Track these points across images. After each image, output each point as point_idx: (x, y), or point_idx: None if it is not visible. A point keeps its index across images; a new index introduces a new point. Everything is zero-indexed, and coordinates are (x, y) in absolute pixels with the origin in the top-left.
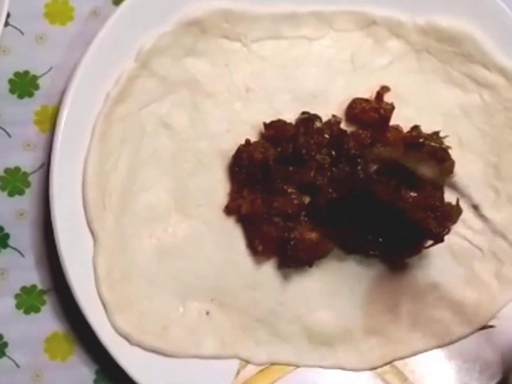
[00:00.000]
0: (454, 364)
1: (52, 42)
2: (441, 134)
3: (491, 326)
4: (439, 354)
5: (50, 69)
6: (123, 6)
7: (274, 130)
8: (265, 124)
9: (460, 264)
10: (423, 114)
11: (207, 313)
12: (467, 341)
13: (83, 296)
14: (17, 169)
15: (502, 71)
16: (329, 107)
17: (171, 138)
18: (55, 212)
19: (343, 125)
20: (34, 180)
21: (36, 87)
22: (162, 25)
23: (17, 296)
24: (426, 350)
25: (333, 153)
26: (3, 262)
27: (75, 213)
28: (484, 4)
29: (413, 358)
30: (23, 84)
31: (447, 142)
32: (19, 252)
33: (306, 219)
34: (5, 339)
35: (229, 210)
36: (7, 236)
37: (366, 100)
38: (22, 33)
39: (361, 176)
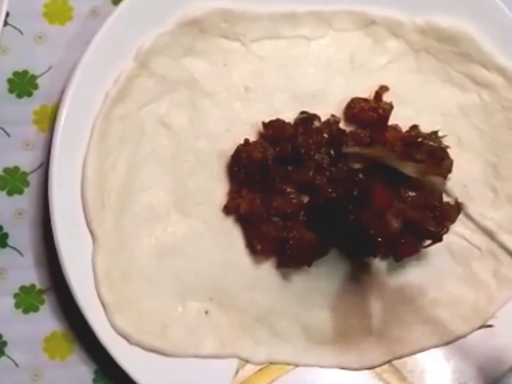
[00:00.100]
0: (452, 363)
1: (51, 42)
2: (440, 134)
3: (489, 326)
4: (437, 354)
5: (49, 68)
6: (122, 5)
7: (273, 130)
8: (264, 124)
9: (458, 263)
10: (422, 114)
11: (206, 312)
12: (466, 340)
13: (82, 295)
14: (16, 168)
15: (501, 71)
16: (328, 107)
17: (170, 137)
18: (54, 211)
19: (342, 125)
20: (33, 179)
21: (35, 86)
22: (161, 25)
23: (16, 295)
24: (424, 350)
25: (332, 152)
26: (2, 262)
27: (74, 212)
28: (483, 4)
29: (411, 357)
30: (22, 84)
31: (445, 141)
32: (18, 251)
33: (305, 218)
34: (4, 339)
35: (228, 209)
36: (6, 235)
37: (365, 100)
38: (21, 32)
39: (360, 175)
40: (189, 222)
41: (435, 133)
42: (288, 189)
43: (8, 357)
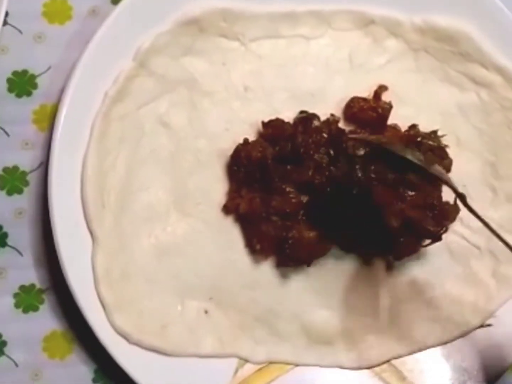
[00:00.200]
0: (452, 362)
1: (51, 41)
2: (439, 133)
3: (488, 325)
4: (437, 353)
5: (49, 68)
6: (121, 5)
7: (272, 129)
8: (263, 123)
9: (457, 262)
10: (421, 113)
11: (206, 312)
12: (465, 339)
13: (82, 295)
14: (16, 168)
15: (499, 70)
16: (327, 106)
17: (169, 137)
18: (54, 211)
19: (341, 124)
20: (33, 179)
21: (35, 86)
22: (161, 24)
23: (15, 295)
24: (424, 349)
25: (331, 152)
26: (2, 261)
27: (74, 212)
28: (482, 4)
29: (411, 356)
30: (22, 83)
31: (445, 141)
32: (18, 251)
33: (304, 218)
34: (3, 338)
35: (227, 209)
36: (5, 235)
37: (364, 99)
38: (20, 32)
39: (359, 175)
40: (188, 221)
41: (434, 132)
42: (288, 189)
43: (8, 356)
